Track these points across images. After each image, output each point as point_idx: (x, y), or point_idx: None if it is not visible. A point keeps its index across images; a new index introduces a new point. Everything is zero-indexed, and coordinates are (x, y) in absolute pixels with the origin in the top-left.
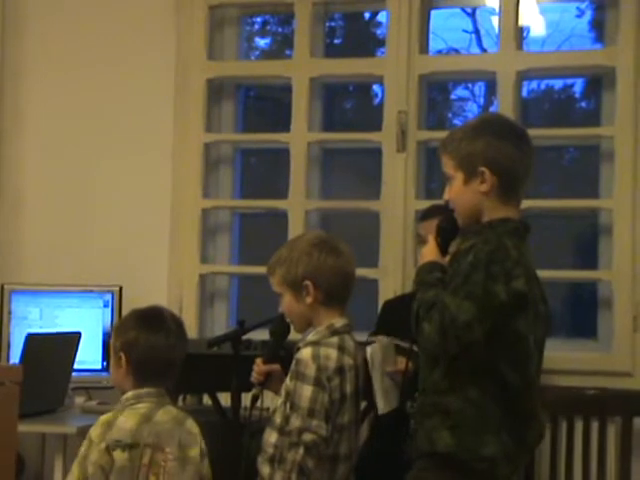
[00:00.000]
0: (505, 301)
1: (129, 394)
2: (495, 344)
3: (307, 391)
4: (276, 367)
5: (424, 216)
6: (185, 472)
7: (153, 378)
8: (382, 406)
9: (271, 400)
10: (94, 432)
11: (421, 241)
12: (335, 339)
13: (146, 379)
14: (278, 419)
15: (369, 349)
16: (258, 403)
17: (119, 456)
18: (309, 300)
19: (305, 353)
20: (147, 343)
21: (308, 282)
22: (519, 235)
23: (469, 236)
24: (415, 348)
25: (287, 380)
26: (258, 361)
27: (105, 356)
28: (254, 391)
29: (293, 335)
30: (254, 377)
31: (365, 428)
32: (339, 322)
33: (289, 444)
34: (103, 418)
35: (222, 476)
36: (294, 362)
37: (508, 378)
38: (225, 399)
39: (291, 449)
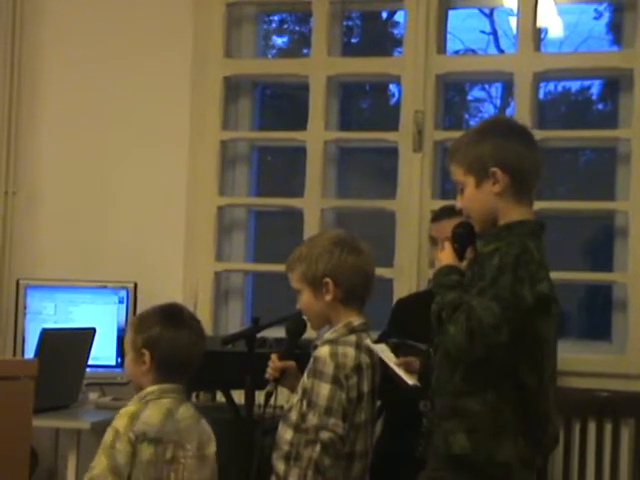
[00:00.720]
0: (532, 304)
1: (153, 388)
2: (517, 347)
3: (325, 389)
4: (291, 364)
5: (435, 217)
6: (203, 469)
7: (175, 375)
8: (410, 381)
9: (286, 400)
10: (119, 423)
11: (433, 242)
12: (353, 337)
13: (168, 376)
14: (294, 416)
15: (374, 345)
16: (272, 401)
17: (145, 449)
18: (328, 298)
19: (323, 351)
20: (173, 340)
21: (328, 280)
22: (537, 235)
23: (489, 239)
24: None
25: (304, 377)
26: (273, 357)
27: (119, 352)
28: (268, 387)
29: (308, 334)
30: (269, 373)
31: (377, 427)
32: (357, 320)
33: (306, 441)
34: (128, 410)
35: (235, 473)
36: (312, 360)
37: (527, 382)
38: (239, 397)
39: (308, 447)
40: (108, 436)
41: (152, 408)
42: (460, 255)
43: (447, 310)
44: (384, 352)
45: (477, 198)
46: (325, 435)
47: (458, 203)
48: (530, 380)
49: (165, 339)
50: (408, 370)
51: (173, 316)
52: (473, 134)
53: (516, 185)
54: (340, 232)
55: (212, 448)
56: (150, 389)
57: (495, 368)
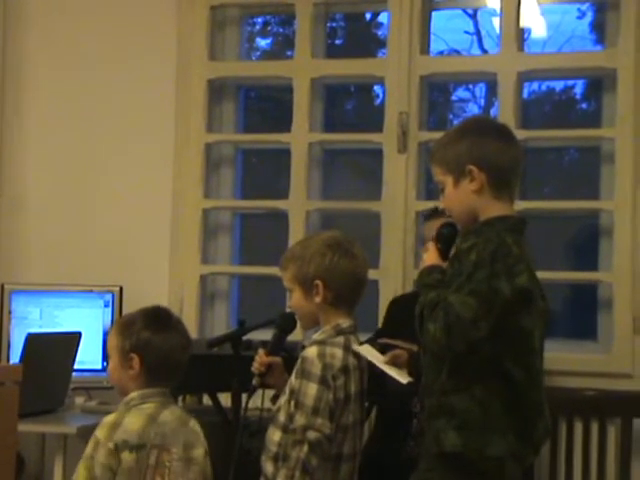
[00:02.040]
0: (509, 297)
1: (134, 394)
2: (500, 341)
3: (312, 389)
4: (278, 360)
5: (428, 216)
6: (190, 472)
7: (164, 379)
8: (404, 379)
9: (269, 399)
10: (100, 433)
11: (426, 241)
12: (341, 339)
13: (156, 380)
14: (282, 417)
15: (359, 347)
16: (258, 404)
17: (127, 457)
18: (318, 300)
19: (311, 351)
20: (164, 344)
21: (319, 282)
22: (518, 230)
23: (469, 236)
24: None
25: (292, 378)
26: (260, 352)
27: (105, 356)
28: (253, 382)
29: (293, 337)
30: (255, 367)
31: (366, 428)
32: (345, 322)
33: (293, 442)
34: (109, 419)
35: (222, 476)
36: (299, 360)
37: (513, 375)
38: (225, 399)
39: (295, 447)
40: (89, 446)
41: (133, 415)
42: (444, 255)
43: (427, 309)
44: (371, 353)
45: (456, 197)
46: (312, 435)
47: (441, 204)
48: (517, 374)
49: (155, 343)
50: (397, 366)
51: (161, 319)
52: (451, 134)
53: (494, 182)
54: (335, 234)
55: (199, 450)
56: (132, 395)
57: (480, 363)
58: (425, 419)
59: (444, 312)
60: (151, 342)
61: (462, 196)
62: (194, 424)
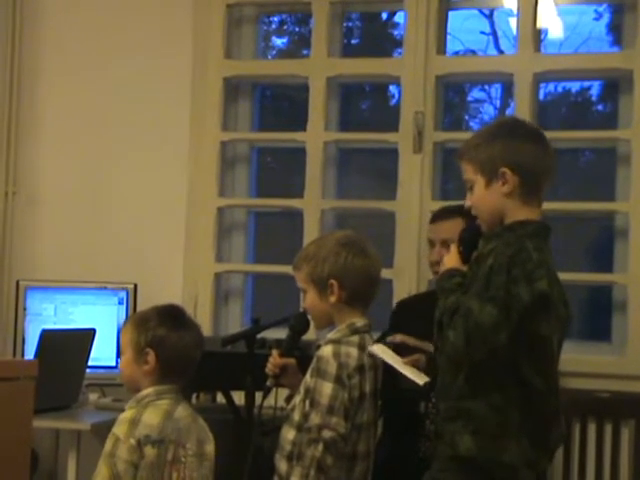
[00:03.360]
0: (528, 303)
1: (149, 390)
2: (518, 347)
3: (327, 388)
4: (291, 361)
5: (433, 219)
6: (202, 467)
7: (177, 375)
8: (421, 380)
9: (284, 399)
10: (119, 430)
11: (431, 244)
12: (356, 338)
13: (169, 377)
14: (297, 416)
15: (373, 347)
16: (272, 402)
17: (149, 452)
18: (333, 299)
19: (326, 351)
20: (179, 340)
21: (333, 281)
22: (540, 236)
23: (491, 239)
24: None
25: (307, 377)
26: (274, 353)
27: (119, 353)
28: (268, 383)
29: (307, 336)
30: (269, 368)
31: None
32: (360, 322)
33: (308, 440)
34: (126, 416)
35: (235, 474)
36: (315, 359)
37: (531, 382)
38: (239, 397)
39: (310, 445)
40: (108, 444)
41: (150, 411)
42: (465, 259)
43: (447, 315)
44: (386, 353)
45: (486, 198)
46: (327, 434)
47: (467, 202)
48: (535, 382)
49: (170, 339)
50: (416, 368)
51: (176, 317)
52: (485, 133)
53: (525, 186)
54: (348, 233)
55: (210, 446)
56: (146, 392)
57: (497, 369)
58: (440, 421)
59: (464, 319)
60: (167, 338)
61: (492, 198)
62: (201, 421)
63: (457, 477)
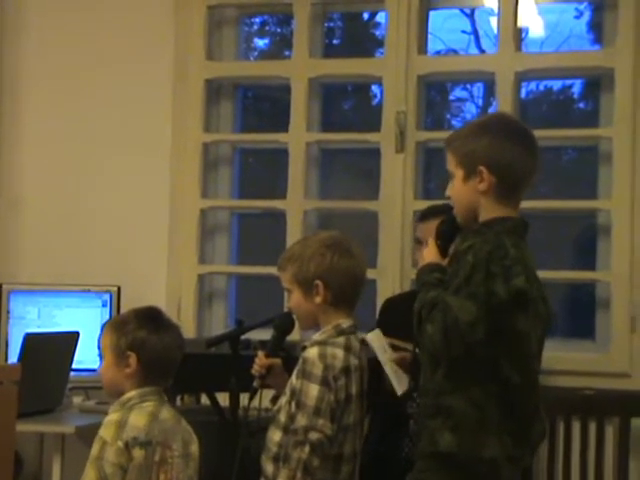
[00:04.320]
0: (505, 299)
1: (132, 393)
2: (496, 343)
3: (314, 390)
4: (277, 361)
5: (422, 217)
6: (188, 468)
7: (159, 377)
8: (398, 388)
9: (269, 400)
10: (106, 433)
11: (419, 242)
12: (342, 339)
13: (152, 379)
14: (283, 418)
15: (369, 335)
16: (257, 403)
17: (138, 453)
18: (318, 300)
19: (312, 352)
20: (160, 342)
21: (319, 282)
22: (518, 233)
23: (468, 236)
24: (417, 350)
25: (292, 379)
26: (260, 354)
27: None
28: (254, 384)
29: (292, 337)
30: (255, 369)
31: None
32: (346, 322)
33: (295, 442)
34: (112, 418)
35: (220, 476)
36: (300, 361)
37: (510, 378)
38: (223, 399)
39: (297, 447)
40: (95, 447)
41: (136, 413)
42: (444, 252)
43: (425, 309)
44: (379, 344)
45: (463, 192)
46: (314, 436)
47: (447, 191)
48: (514, 377)
49: (151, 341)
50: (402, 367)
51: (155, 319)
52: (474, 127)
53: (502, 186)
54: (333, 234)
55: (195, 446)
56: (130, 394)
57: (476, 365)
58: (420, 418)
59: (442, 314)
60: (147, 341)
61: (468, 192)
62: (185, 422)
63: (438, 475)
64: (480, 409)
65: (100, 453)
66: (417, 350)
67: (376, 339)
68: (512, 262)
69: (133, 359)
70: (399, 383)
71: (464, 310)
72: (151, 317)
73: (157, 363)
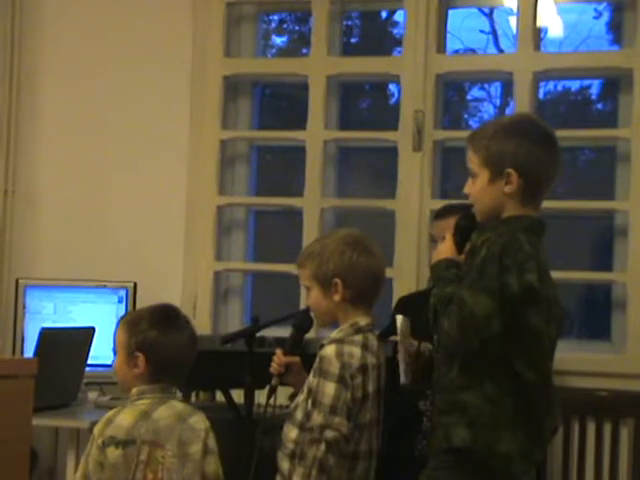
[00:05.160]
0: (516, 293)
1: (134, 391)
2: (510, 338)
3: (330, 388)
4: (296, 359)
5: (437, 216)
6: (185, 469)
7: (169, 377)
8: (403, 377)
9: (287, 398)
10: (96, 428)
11: (434, 241)
12: (359, 337)
13: (162, 378)
14: (299, 415)
15: (399, 317)
16: (272, 400)
17: (112, 452)
18: (337, 298)
19: (329, 350)
20: (170, 343)
21: (338, 280)
22: (534, 231)
23: (484, 231)
24: (429, 346)
25: (310, 376)
26: (278, 352)
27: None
28: (272, 382)
29: (309, 334)
30: (273, 368)
31: None
32: (363, 321)
33: (310, 440)
34: (107, 415)
35: (235, 473)
36: (317, 359)
37: (523, 374)
38: (238, 396)
39: (312, 445)
40: (89, 442)
41: (126, 411)
42: (460, 248)
43: (441, 304)
44: (404, 327)
45: (487, 192)
46: (330, 434)
47: (466, 188)
48: (527, 374)
49: (162, 343)
50: (411, 362)
51: (169, 318)
52: (500, 128)
53: (528, 190)
54: (353, 232)
55: (196, 447)
56: (132, 392)
57: (490, 361)
58: (435, 415)
59: (458, 309)
60: (157, 342)
61: (493, 194)
62: (195, 420)
63: (453, 472)
64: (495, 404)
65: (89, 448)
66: (431, 349)
67: (403, 322)
68: (525, 257)
69: (141, 360)
70: (405, 373)
71: (479, 304)
72: (164, 316)
73: (167, 364)
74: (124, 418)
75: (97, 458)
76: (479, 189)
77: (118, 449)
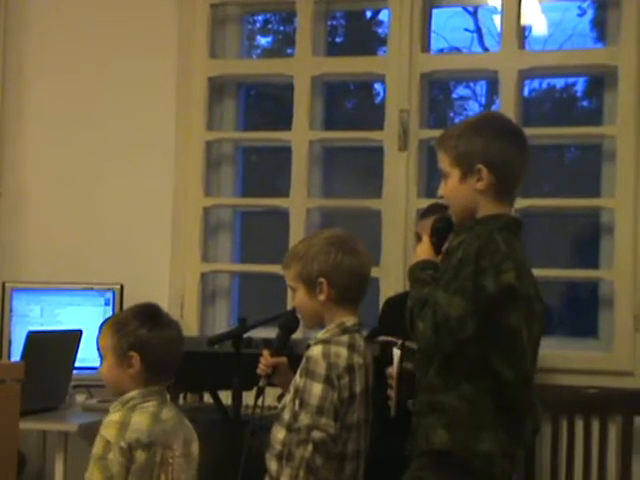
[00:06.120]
0: (494, 294)
1: (133, 393)
2: (487, 339)
3: (317, 389)
4: (283, 360)
5: (423, 214)
6: (190, 468)
7: (162, 375)
8: (393, 411)
9: (275, 399)
10: (108, 433)
11: (419, 239)
12: (345, 337)
13: (156, 377)
14: (287, 416)
15: (395, 349)
16: (260, 401)
17: (140, 456)
18: (322, 298)
19: (316, 351)
20: (162, 339)
21: (323, 280)
22: (510, 230)
23: (461, 232)
24: (413, 346)
25: (296, 377)
26: (265, 353)
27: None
28: (260, 383)
29: (295, 335)
30: (260, 369)
31: None
32: (350, 321)
33: (298, 441)
34: (113, 418)
35: (223, 474)
36: (304, 359)
37: (502, 373)
38: (226, 397)
39: (300, 446)
40: (98, 447)
41: (138, 414)
42: (438, 249)
43: (417, 306)
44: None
45: (459, 191)
46: (317, 435)
47: (440, 190)
48: (506, 373)
49: (153, 340)
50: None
51: (155, 316)
52: (467, 127)
53: (500, 185)
54: (337, 232)
55: (195, 445)
56: (131, 394)
57: (467, 362)
58: (415, 417)
59: (432, 311)
60: (149, 340)
61: (465, 192)
62: (187, 421)
63: (434, 473)
64: (473, 405)
65: (104, 453)
66: (411, 346)
67: (396, 357)
68: (502, 258)
69: (136, 359)
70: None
71: (453, 305)
72: (150, 314)
73: (160, 360)
74: (140, 421)
75: (122, 462)
76: (451, 188)
77: (144, 452)
